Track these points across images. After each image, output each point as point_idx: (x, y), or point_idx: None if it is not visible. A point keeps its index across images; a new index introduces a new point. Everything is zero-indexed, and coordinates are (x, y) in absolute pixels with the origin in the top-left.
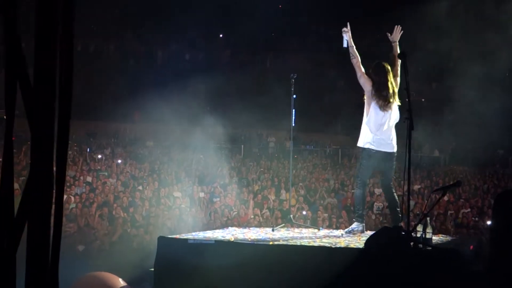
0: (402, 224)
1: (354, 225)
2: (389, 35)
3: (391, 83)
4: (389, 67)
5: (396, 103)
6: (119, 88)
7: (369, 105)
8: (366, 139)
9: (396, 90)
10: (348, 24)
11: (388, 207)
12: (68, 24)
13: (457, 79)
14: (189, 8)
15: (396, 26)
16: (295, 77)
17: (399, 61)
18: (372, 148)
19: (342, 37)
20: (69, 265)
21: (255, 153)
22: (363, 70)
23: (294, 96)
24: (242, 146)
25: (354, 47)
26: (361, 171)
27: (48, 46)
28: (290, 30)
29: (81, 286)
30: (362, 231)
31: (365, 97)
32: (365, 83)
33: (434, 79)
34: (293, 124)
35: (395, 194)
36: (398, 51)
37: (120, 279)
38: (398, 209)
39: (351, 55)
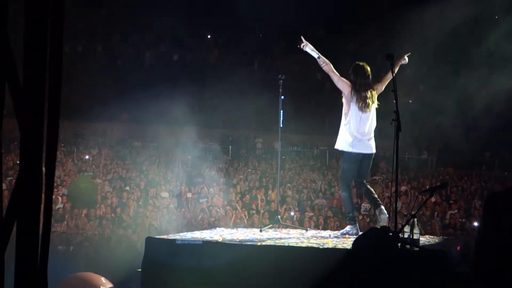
0: (387, 223)
1: (348, 228)
2: (405, 60)
3: (371, 85)
4: (368, 68)
5: (374, 105)
6: (107, 89)
7: (348, 107)
8: (345, 141)
9: (375, 92)
10: (301, 38)
11: (366, 196)
12: (57, 24)
13: (443, 81)
14: (177, 9)
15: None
16: (283, 78)
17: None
18: (353, 151)
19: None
20: (57, 266)
21: (243, 154)
22: (337, 74)
23: (282, 97)
24: (230, 147)
25: (320, 55)
26: (344, 174)
27: (37, 47)
28: (278, 31)
29: (67, 287)
30: (357, 233)
31: (343, 100)
32: (343, 87)
33: (421, 81)
34: (281, 125)
35: (370, 187)
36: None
37: (104, 279)
38: (375, 195)
39: (320, 64)
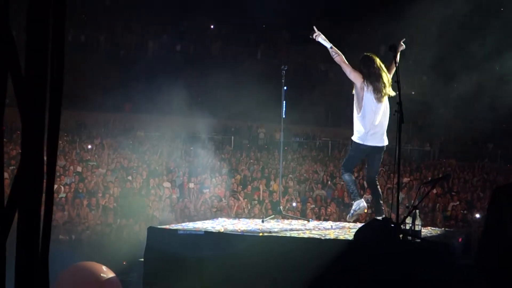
0: (384, 215)
1: (354, 205)
2: (402, 46)
3: (385, 74)
4: (378, 59)
5: (387, 96)
6: (110, 79)
7: (360, 99)
8: (359, 133)
9: (389, 82)
10: (314, 28)
11: (374, 200)
12: (59, 13)
13: (448, 72)
14: None
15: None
16: (286, 69)
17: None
18: (363, 143)
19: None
20: (59, 255)
21: (245, 145)
22: (350, 65)
23: (285, 88)
24: (232, 137)
25: (332, 46)
26: (347, 161)
27: (39, 36)
28: (281, 22)
29: (67, 277)
30: (364, 206)
31: (354, 92)
32: (356, 78)
33: (424, 72)
34: (284, 116)
35: (378, 187)
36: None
37: (106, 268)
38: (381, 202)
39: (332, 54)
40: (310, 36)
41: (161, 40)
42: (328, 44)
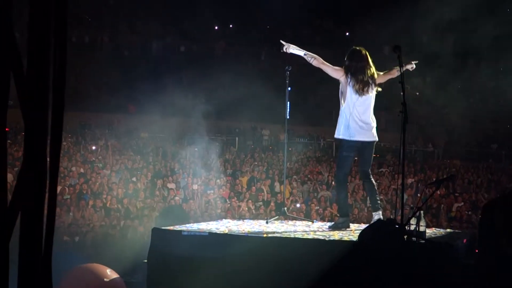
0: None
1: (340, 219)
2: (412, 65)
3: (369, 68)
4: (365, 53)
5: (373, 89)
6: (114, 80)
7: (344, 93)
8: (344, 128)
9: (375, 76)
10: (281, 42)
11: (368, 195)
12: (61, 14)
13: (451, 73)
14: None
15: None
16: (290, 69)
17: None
18: (352, 139)
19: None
20: (62, 256)
21: (249, 146)
22: (329, 64)
23: (289, 88)
24: (237, 138)
25: (306, 52)
26: (341, 163)
27: (41, 36)
28: (285, 22)
29: (71, 279)
30: (348, 227)
31: (340, 88)
32: (338, 74)
33: (428, 73)
34: (288, 117)
35: (373, 181)
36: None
37: (110, 270)
38: (377, 197)
39: (309, 60)
40: (281, 51)
41: (164, 41)
42: (301, 52)
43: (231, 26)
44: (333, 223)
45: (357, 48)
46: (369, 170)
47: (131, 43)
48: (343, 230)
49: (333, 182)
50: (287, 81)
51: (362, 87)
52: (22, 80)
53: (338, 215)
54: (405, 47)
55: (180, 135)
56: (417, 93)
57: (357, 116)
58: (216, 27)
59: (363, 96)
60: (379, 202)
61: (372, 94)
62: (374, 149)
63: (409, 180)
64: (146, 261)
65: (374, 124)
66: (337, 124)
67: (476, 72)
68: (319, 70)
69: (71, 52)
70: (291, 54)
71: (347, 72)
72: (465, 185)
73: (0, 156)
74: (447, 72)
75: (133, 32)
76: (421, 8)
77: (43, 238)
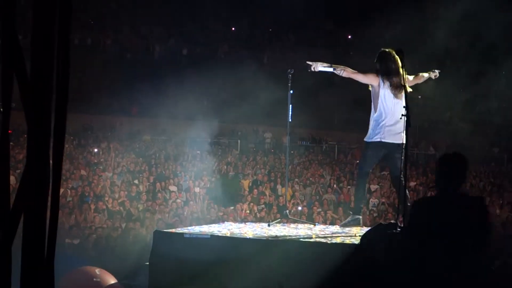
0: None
1: (350, 217)
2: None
3: (402, 69)
4: (394, 54)
5: (404, 93)
6: (116, 82)
7: (377, 97)
8: (373, 131)
9: (406, 78)
10: (307, 62)
11: (399, 200)
12: (65, 17)
13: (454, 76)
14: (187, 2)
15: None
16: (292, 72)
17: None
18: (376, 140)
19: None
20: (64, 259)
21: (252, 149)
22: (358, 72)
23: (291, 91)
24: (239, 141)
25: (334, 67)
26: (363, 161)
27: (45, 40)
28: (287, 25)
29: (70, 281)
30: (358, 224)
31: (371, 92)
32: (371, 80)
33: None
34: (290, 120)
35: (403, 187)
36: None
37: (108, 275)
38: (408, 204)
39: (339, 73)
40: (309, 70)
41: (167, 44)
42: (329, 68)
43: (233, 29)
44: (344, 221)
45: (385, 50)
46: (400, 176)
47: (134, 46)
48: (352, 232)
49: (334, 185)
50: (289, 84)
51: (396, 90)
52: (25, 82)
53: (350, 212)
54: (407, 49)
55: (182, 138)
56: (419, 96)
57: (393, 119)
58: (219, 30)
59: (399, 100)
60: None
61: (403, 97)
62: (403, 153)
63: (412, 183)
64: (148, 263)
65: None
66: (370, 127)
67: (478, 75)
68: (322, 73)
69: (74, 55)
70: (315, 70)
71: (381, 75)
72: (467, 188)
73: (3, 159)
74: (450, 75)
75: (135, 34)
76: (424, 10)
77: (45, 241)
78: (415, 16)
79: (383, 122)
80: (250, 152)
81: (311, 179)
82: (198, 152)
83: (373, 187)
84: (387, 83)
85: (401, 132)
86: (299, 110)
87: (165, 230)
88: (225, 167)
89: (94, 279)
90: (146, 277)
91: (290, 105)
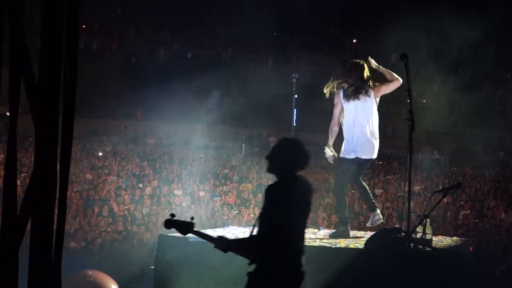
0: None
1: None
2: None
3: (364, 83)
4: (363, 65)
5: (371, 102)
6: (121, 86)
7: (341, 112)
8: (343, 147)
9: (374, 90)
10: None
11: (364, 199)
12: (72, 23)
13: (458, 80)
14: (191, 6)
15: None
16: (296, 77)
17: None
18: (348, 157)
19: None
20: (70, 262)
21: (256, 152)
22: (335, 114)
23: (296, 96)
24: (243, 145)
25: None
26: (340, 179)
27: (53, 45)
28: (292, 29)
29: (69, 284)
30: (347, 236)
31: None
32: (336, 100)
33: (435, 80)
34: (294, 124)
35: (365, 184)
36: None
37: (110, 280)
38: (371, 197)
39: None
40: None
41: (172, 48)
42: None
43: (238, 33)
44: (333, 231)
45: (356, 61)
46: (359, 178)
47: (139, 50)
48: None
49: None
50: (294, 88)
51: (356, 100)
52: (33, 87)
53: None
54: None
55: (187, 142)
56: (424, 101)
57: (355, 133)
58: (223, 34)
59: (361, 112)
60: (374, 202)
61: (370, 108)
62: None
63: (416, 188)
64: (153, 267)
65: (371, 138)
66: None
67: (483, 80)
68: (326, 77)
69: (79, 59)
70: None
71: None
72: (471, 192)
73: (11, 162)
74: (454, 80)
75: (141, 39)
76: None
77: (53, 244)
78: (420, 20)
79: (348, 137)
80: (255, 156)
81: (315, 183)
82: (202, 156)
83: (378, 191)
84: (349, 97)
85: (369, 146)
86: (303, 114)
87: (170, 234)
88: (230, 170)
89: (87, 279)
90: (151, 281)
91: (295, 109)
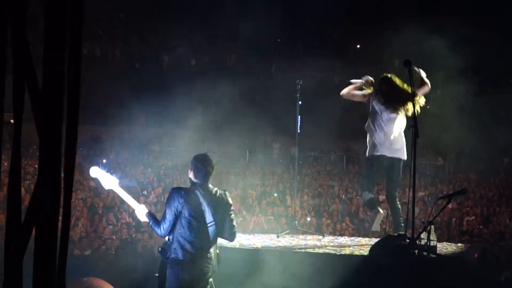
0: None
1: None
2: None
3: (403, 90)
4: (393, 76)
5: (404, 110)
6: (125, 92)
7: (373, 113)
8: (373, 145)
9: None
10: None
11: (392, 215)
12: (76, 28)
13: (462, 86)
14: (194, 12)
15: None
16: (300, 83)
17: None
18: (375, 154)
19: None
20: (75, 270)
21: (260, 159)
22: (362, 93)
23: (300, 102)
24: (247, 151)
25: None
26: (364, 179)
27: (56, 51)
28: (295, 34)
29: None
30: (380, 212)
31: (370, 108)
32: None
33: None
34: (299, 131)
35: (398, 204)
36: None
37: (108, 286)
38: (401, 219)
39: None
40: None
41: (175, 54)
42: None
43: (241, 38)
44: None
45: (385, 75)
46: (395, 194)
47: (142, 56)
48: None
49: (343, 196)
50: (298, 95)
51: (391, 108)
52: (36, 93)
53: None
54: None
55: (191, 148)
56: (428, 107)
57: (390, 135)
58: (227, 40)
59: (396, 116)
60: (402, 224)
61: (401, 114)
62: (401, 169)
63: (420, 194)
64: (157, 275)
65: (400, 141)
66: (368, 143)
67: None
68: (330, 83)
69: (82, 65)
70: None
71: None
72: (476, 198)
73: (15, 170)
74: (458, 85)
75: (144, 45)
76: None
77: (57, 252)
78: (423, 26)
79: (381, 137)
80: (259, 163)
81: (320, 189)
82: None
83: (382, 197)
84: (381, 101)
85: (398, 147)
86: (307, 120)
87: None
88: (233, 177)
89: (84, 285)
90: None
91: (299, 116)
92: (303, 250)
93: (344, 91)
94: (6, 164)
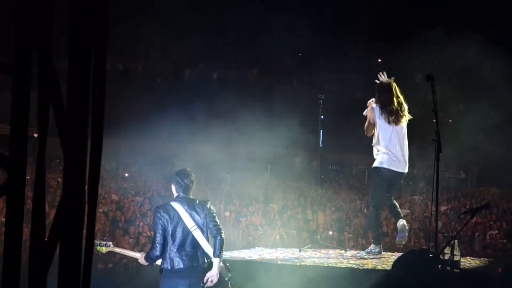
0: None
1: (371, 247)
2: None
3: (397, 99)
4: (393, 84)
5: (405, 120)
6: (147, 107)
7: (375, 126)
8: (377, 158)
9: (404, 106)
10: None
11: (391, 213)
12: (101, 44)
13: (484, 100)
14: (216, 27)
15: None
16: (323, 98)
17: None
18: (384, 166)
19: None
20: (97, 283)
21: (281, 173)
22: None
23: (322, 117)
24: (269, 165)
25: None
26: (374, 193)
27: (81, 66)
28: (316, 49)
29: None
30: (379, 252)
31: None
32: (370, 113)
33: (461, 99)
34: (321, 145)
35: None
36: None
37: None
38: (399, 210)
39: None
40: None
41: (197, 68)
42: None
43: (263, 53)
44: (367, 249)
45: (382, 82)
46: (391, 195)
47: (164, 71)
48: (377, 258)
49: (365, 210)
50: (320, 109)
51: (393, 118)
52: (61, 109)
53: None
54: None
55: (212, 162)
56: (450, 120)
57: (389, 147)
58: (248, 55)
59: (396, 127)
60: (401, 213)
61: (404, 125)
62: (402, 180)
63: (443, 208)
64: None
65: (406, 153)
66: (374, 155)
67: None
68: (351, 97)
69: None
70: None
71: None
72: (499, 212)
73: (40, 185)
74: (480, 99)
75: (166, 60)
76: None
77: (81, 268)
78: (446, 41)
79: (383, 149)
80: (280, 176)
81: (341, 203)
82: (228, 176)
83: (404, 211)
84: (383, 112)
85: (403, 160)
86: (328, 134)
87: None
88: (255, 191)
89: None
90: None
91: (321, 130)
92: (325, 265)
93: (366, 131)
94: (29, 178)
